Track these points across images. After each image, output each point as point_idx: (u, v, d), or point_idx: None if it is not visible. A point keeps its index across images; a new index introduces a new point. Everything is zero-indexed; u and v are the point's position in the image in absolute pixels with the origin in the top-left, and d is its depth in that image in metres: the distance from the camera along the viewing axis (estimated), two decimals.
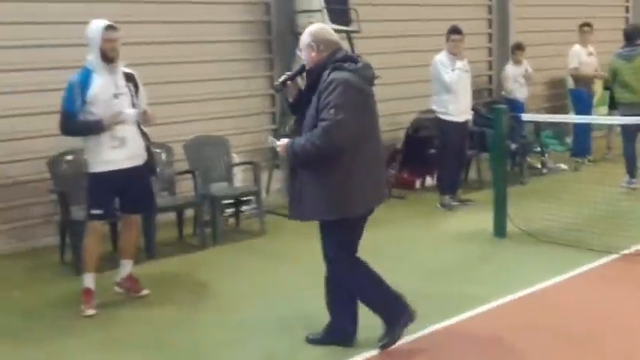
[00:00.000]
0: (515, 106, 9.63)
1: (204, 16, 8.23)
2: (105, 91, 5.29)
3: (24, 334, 5.09)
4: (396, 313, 4.50)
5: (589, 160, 10.35)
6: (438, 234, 7.34)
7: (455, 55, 7.94)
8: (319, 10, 8.06)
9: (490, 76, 11.67)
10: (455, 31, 7.96)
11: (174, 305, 5.56)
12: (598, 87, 10.88)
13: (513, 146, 9.00)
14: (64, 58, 6.78)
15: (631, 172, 8.82)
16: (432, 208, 8.25)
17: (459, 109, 8.01)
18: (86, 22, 5.40)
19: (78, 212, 6.25)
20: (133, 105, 5.42)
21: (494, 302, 5.32)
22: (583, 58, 10.38)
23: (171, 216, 7.24)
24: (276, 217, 7.64)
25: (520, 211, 7.09)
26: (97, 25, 5.29)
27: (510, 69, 10.27)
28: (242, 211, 7.87)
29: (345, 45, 8.10)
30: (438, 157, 8.56)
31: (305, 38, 4.36)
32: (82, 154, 6.05)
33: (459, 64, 7.95)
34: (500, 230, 6.96)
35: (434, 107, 8.16)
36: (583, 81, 10.41)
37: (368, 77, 4.31)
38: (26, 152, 6.99)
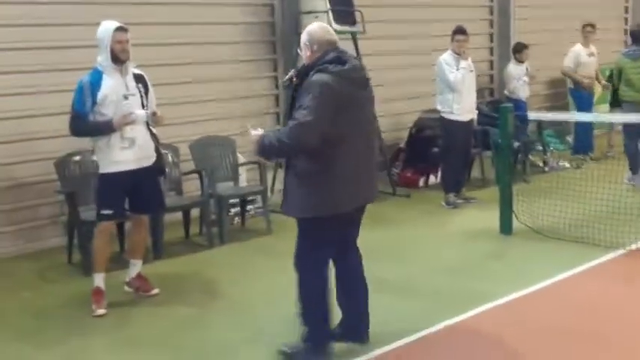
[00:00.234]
0: (518, 106, 9.64)
1: (209, 18, 8.27)
2: (115, 92, 5.31)
3: (39, 335, 5.10)
4: (316, 342, 4.42)
5: (591, 158, 10.41)
6: (444, 232, 7.38)
7: (459, 55, 7.99)
8: (325, 12, 8.08)
9: (491, 76, 11.76)
10: (460, 31, 8.02)
11: (185, 304, 5.58)
12: (598, 86, 10.94)
13: (516, 144, 9.04)
14: (73, 60, 6.81)
15: (634, 169, 8.88)
16: (436, 206, 8.29)
17: (463, 108, 8.06)
18: (96, 24, 5.43)
19: (86, 213, 6.29)
20: (143, 106, 5.44)
21: (503, 299, 5.35)
22: (583, 58, 10.44)
23: (177, 216, 7.26)
24: (281, 216, 7.59)
25: (525, 208, 7.14)
26: (107, 27, 5.31)
27: (513, 68, 10.31)
28: (247, 211, 7.91)
29: (350, 45, 8.20)
30: (442, 156, 8.60)
31: (302, 37, 4.41)
32: (90, 154, 6.11)
33: (464, 63, 7.99)
34: (506, 227, 7.00)
35: (438, 107, 8.20)
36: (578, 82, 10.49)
37: (355, 79, 4.27)
38: (33, 153, 7.00)
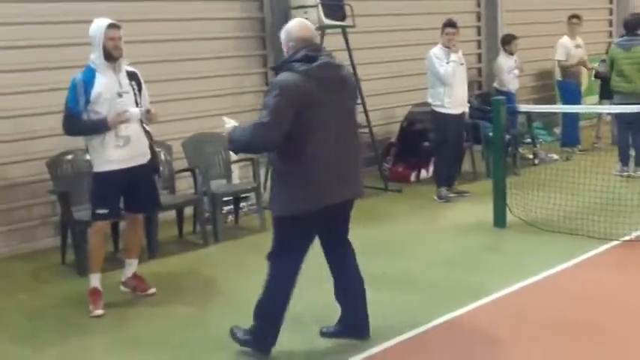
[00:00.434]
0: (508, 98, 9.65)
1: (198, 14, 8.23)
2: (109, 90, 5.26)
3: (36, 337, 5.06)
4: (259, 338, 4.48)
5: (579, 150, 10.46)
6: (439, 226, 7.39)
7: (449, 48, 8.00)
8: (314, 6, 8.06)
9: (479, 69, 11.78)
10: (450, 24, 8.02)
11: (182, 303, 5.56)
12: (585, 77, 10.99)
13: (507, 137, 9.07)
14: (65, 58, 6.76)
15: (623, 160, 8.94)
16: (428, 200, 8.30)
17: (454, 101, 8.08)
18: (87, 22, 5.37)
19: (79, 212, 6.24)
20: (137, 103, 5.40)
21: (499, 292, 5.37)
22: (571, 50, 10.48)
23: (170, 214, 7.22)
24: None
25: (518, 201, 7.18)
26: (99, 24, 5.25)
27: (504, 60, 10.28)
28: (241, 208, 7.88)
29: (340, 40, 8.19)
30: (434, 150, 8.62)
31: (281, 35, 4.40)
32: (83, 153, 6.06)
33: (454, 56, 8.00)
34: (500, 220, 7.02)
35: (430, 100, 8.21)
36: (570, 72, 10.51)
37: (324, 78, 4.19)
38: (25, 153, 6.95)
